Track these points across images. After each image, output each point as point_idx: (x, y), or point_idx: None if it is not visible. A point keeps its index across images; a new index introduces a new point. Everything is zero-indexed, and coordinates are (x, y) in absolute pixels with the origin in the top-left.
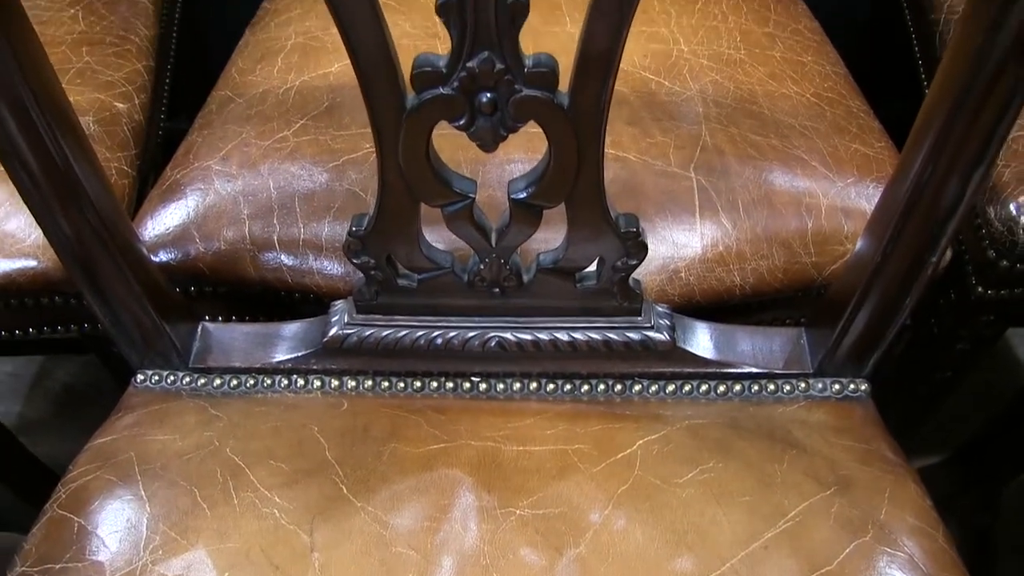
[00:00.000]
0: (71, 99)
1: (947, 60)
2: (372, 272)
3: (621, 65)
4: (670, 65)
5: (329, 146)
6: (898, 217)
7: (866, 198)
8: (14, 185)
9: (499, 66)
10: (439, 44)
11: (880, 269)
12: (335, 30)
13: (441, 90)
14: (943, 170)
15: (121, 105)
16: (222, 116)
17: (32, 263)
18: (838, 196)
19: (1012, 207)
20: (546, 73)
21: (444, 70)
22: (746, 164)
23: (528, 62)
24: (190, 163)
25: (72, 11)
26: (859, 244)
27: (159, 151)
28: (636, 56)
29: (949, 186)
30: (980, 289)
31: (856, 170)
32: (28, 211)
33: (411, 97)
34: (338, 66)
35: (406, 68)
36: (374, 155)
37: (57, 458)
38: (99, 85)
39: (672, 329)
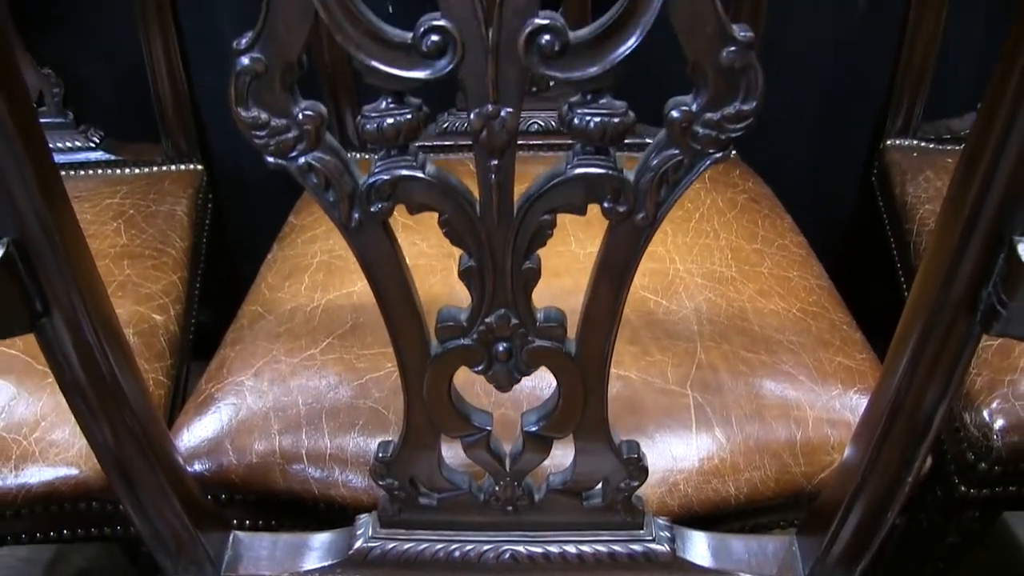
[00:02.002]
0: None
1: (918, 285)
2: (396, 492)
3: None
4: (667, 284)
5: (354, 365)
6: (882, 426)
7: (850, 409)
8: (63, 394)
9: (514, 321)
10: (454, 263)
11: (866, 477)
12: None
13: (462, 341)
14: (921, 381)
15: (158, 317)
16: (253, 332)
17: (75, 471)
18: (824, 408)
19: (985, 413)
20: (555, 327)
21: (465, 324)
22: (738, 380)
23: (539, 316)
24: (224, 377)
25: (115, 224)
26: (846, 453)
27: (190, 351)
28: (636, 277)
29: (928, 396)
30: (963, 488)
31: (840, 383)
32: (70, 423)
33: (435, 345)
34: (361, 285)
35: (424, 289)
36: (396, 374)
37: None
38: (139, 298)
39: (672, 540)
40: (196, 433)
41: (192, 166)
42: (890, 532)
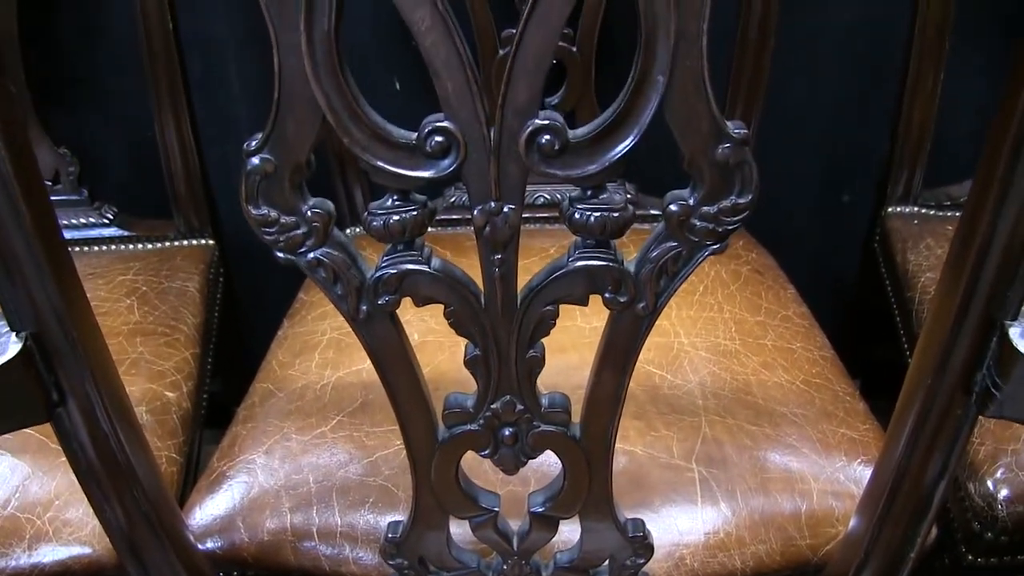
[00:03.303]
0: (127, 390)
1: (914, 367)
2: (406, 571)
3: None
4: (672, 358)
5: (363, 442)
6: (884, 501)
7: (854, 480)
8: (77, 479)
9: (519, 407)
10: (461, 341)
11: (870, 552)
12: None
13: (469, 427)
14: (920, 459)
15: (171, 394)
16: (264, 409)
17: (88, 550)
18: (828, 480)
19: (989, 483)
20: (559, 412)
21: (472, 410)
22: (743, 453)
23: (544, 402)
24: (235, 455)
25: (128, 301)
26: (851, 526)
27: (202, 425)
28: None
29: (928, 472)
30: (970, 557)
31: (844, 454)
32: (83, 502)
33: (442, 430)
34: (369, 363)
35: (431, 367)
36: (404, 452)
37: None
38: (151, 375)
39: None
40: (208, 511)
41: (204, 241)
42: None
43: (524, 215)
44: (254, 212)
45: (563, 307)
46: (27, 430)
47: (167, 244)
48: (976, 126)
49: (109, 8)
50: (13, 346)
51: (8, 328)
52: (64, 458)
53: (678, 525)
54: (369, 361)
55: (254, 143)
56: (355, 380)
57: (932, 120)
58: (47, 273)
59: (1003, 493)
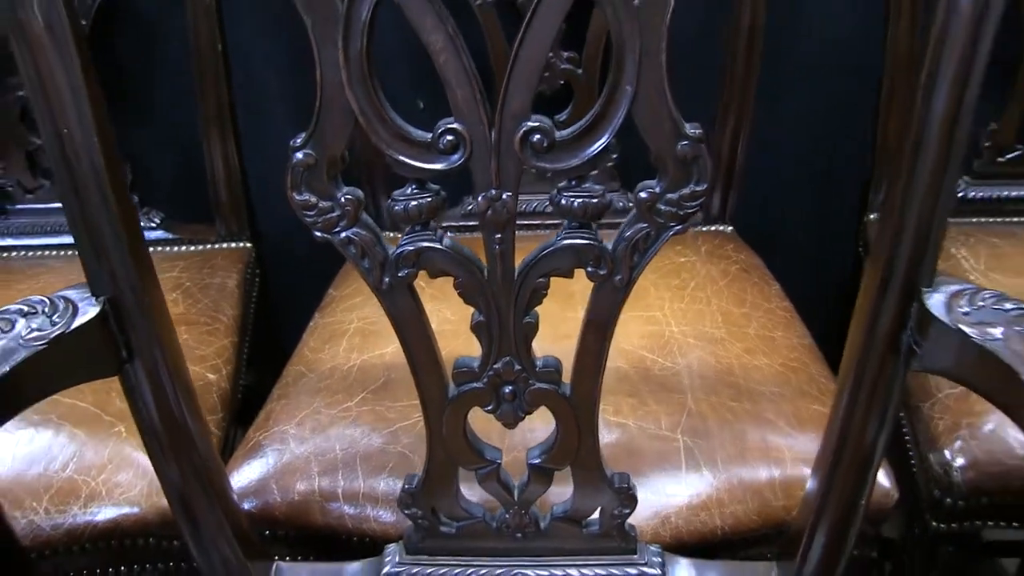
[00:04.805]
0: None
1: (851, 334)
2: (420, 521)
3: (625, 345)
4: (663, 344)
5: (385, 415)
6: (833, 454)
7: None
8: (140, 433)
9: (517, 367)
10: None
11: (825, 502)
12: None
13: (475, 384)
14: (862, 414)
15: (212, 376)
16: (297, 388)
17: (136, 510)
18: (800, 450)
19: (947, 453)
20: (552, 372)
21: (477, 370)
22: (724, 427)
23: (539, 363)
24: (270, 427)
25: (173, 295)
26: (808, 483)
27: (238, 407)
28: (635, 337)
29: (869, 425)
30: (935, 524)
31: (815, 427)
32: (133, 467)
33: (452, 388)
34: (392, 348)
35: (447, 349)
36: (421, 424)
37: None
38: (194, 359)
39: (663, 565)
40: (245, 475)
41: (242, 244)
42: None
43: (526, 222)
44: (297, 198)
45: (568, 301)
46: (83, 404)
47: (208, 247)
48: None
49: (162, 26)
50: (92, 309)
51: (90, 293)
52: (117, 428)
53: (665, 488)
54: (391, 346)
55: (299, 140)
56: (378, 363)
57: None
58: (125, 249)
59: (959, 461)
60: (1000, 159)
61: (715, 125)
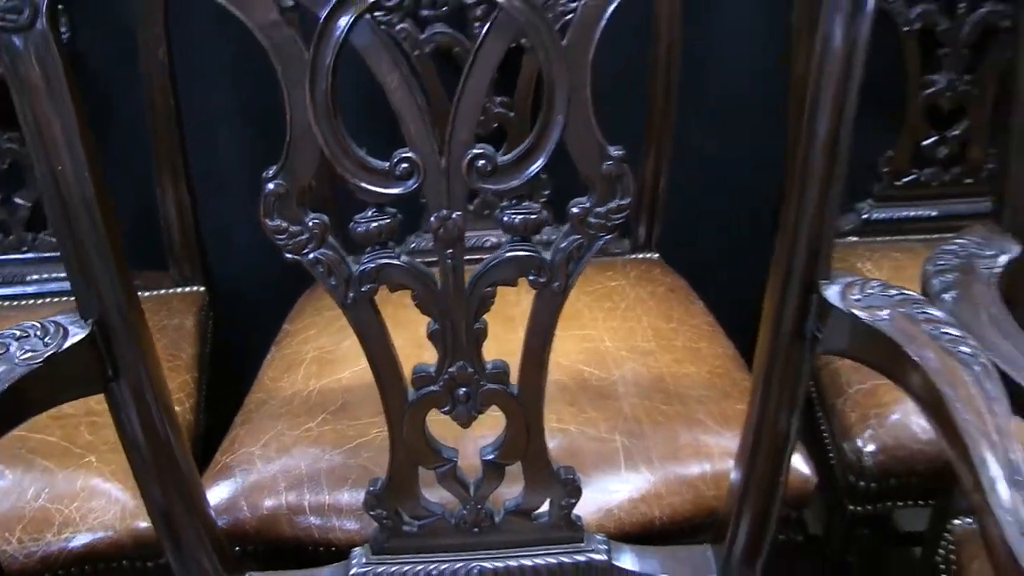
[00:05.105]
0: None
1: (761, 326)
2: (384, 521)
3: (563, 360)
4: (599, 358)
5: (345, 433)
6: (752, 438)
7: None
8: (124, 450)
9: (470, 370)
10: (425, 352)
11: (747, 484)
12: (344, 345)
13: (432, 388)
14: (775, 399)
15: (176, 408)
16: (259, 414)
17: (110, 533)
18: (728, 445)
19: (858, 442)
20: (501, 373)
21: (433, 374)
22: (658, 428)
23: (489, 367)
24: (236, 450)
25: None
26: (732, 471)
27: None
28: (573, 353)
29: (782, 409)
30: (852, 508)
31: (739, 425)
32: (105, 494)
33: (412, 392)
34: (348, 373)
35: (410, 361)
36: (380, 439)
37: None
38: None
39: (608, 552)
40: (215, 494)
41: (195, 288)
42: (797, 550)
43: (475, 256)
44: (270, 223)
45: (507, 323)
46: (52, 439)
47: (163, 292)
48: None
49: (116, 77)
50: (81, 331)
51: (78, 316)
52: (87, 458)
53: (607, 485)
54: (347, 372)
55: (271, 172)
56: (336, 387)
57: None
58: (113, 273)
59: (869, 448)
60: (897, 183)
61: (639, 158)
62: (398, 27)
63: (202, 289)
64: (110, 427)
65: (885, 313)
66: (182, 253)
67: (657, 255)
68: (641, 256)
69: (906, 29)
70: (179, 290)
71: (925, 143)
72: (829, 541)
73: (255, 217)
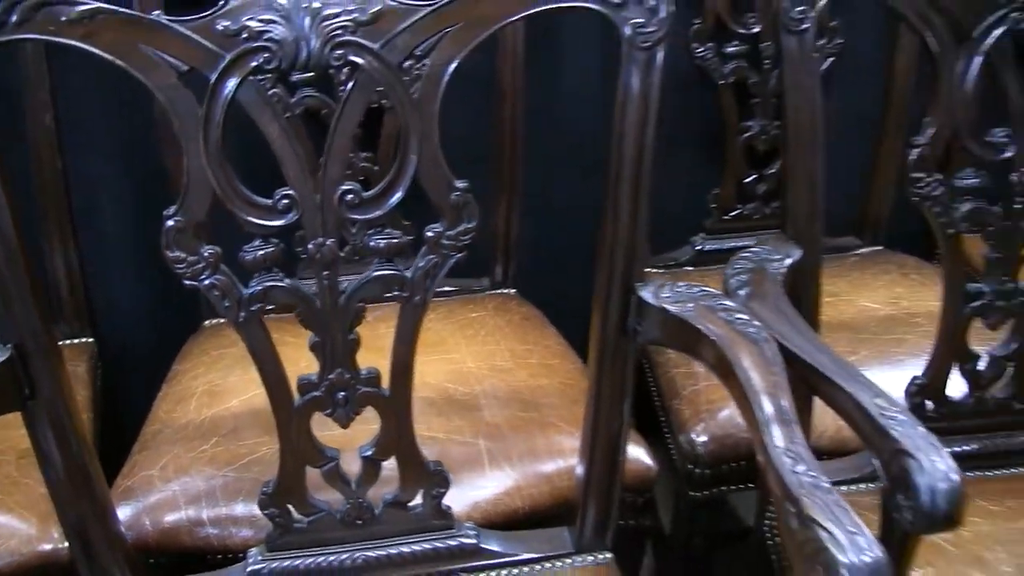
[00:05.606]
0: None
1: (592, 324)
2: (277, 519)
3: (431, 380)
4: (462, 376)
5: (237, 452)
6: (591, 425)
7: None
8: (39, 468)
9: (347, 376)
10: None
11: (591, 467)
12: (231, 379)
13: (315, 393)
14: (608, 388)
15: None
16: (156, 441)
17: (16, 558)
18: (577, 444)
19: (692, 434)
20: (374, 378)
21: (316, 381)
22: (517, 432)
23: (363, 373)
24: (136, 474)
25: None
26: (576, 468)
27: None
28: (439, 374)
29: (614, 397)
30: (691, 493)
31: None
32: (8, 524)
33: (298, 399)
34: (237, 401)
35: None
36: (269, 455)
37: None
38: None
39: (477, 536)
40: (120, 514)
41: (84, 340)
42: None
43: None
44: (170, 255)
45: (376, 339)
46: None
47: None
48: (687, 200)
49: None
50: (2, 353)
51: None
52: None
53: (474, 482)
54: (236, 401)
55: (171, 211)
56: (226, 414)
57: (643, 208)
58: (29, 301)
59: (701, 439)
60: (725, 217)
61: (493, 206)
62: (270, 92)
63: (91, 340)
64: (10, 463)
65: (690, 306)
66: (71, 309)
67: (514, 291)
68: (500, 292)
69: (722, 82)
70: (68, 342)
71: (746, 181)
72: (676, 526)
73: (140, 272)
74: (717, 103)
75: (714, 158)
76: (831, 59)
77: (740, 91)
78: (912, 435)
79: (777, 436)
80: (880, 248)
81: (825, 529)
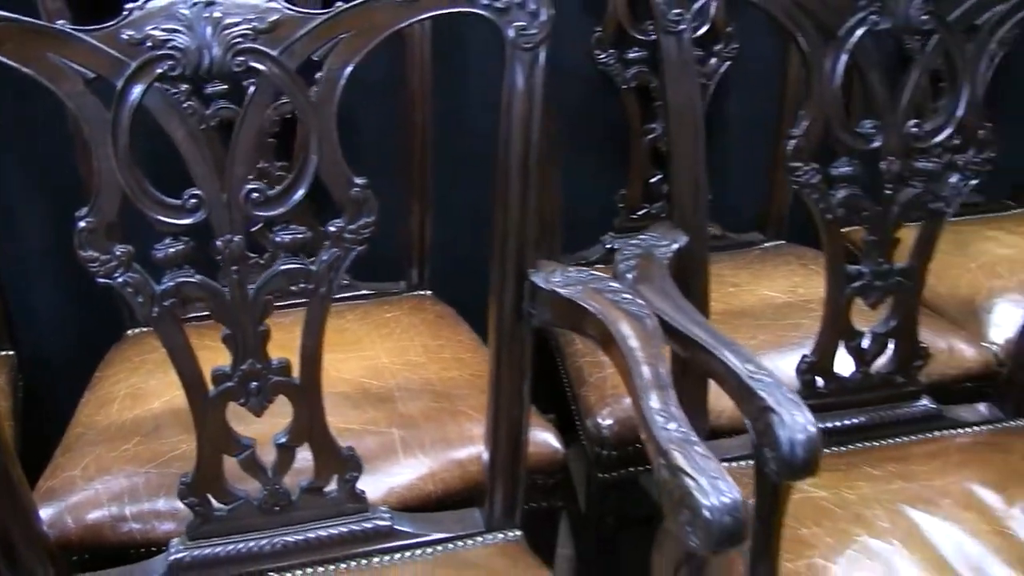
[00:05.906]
0: None
1: (489, 311)
2: (197, 508)
3: (347, 376)
4: (377, 372)
5: (158, 450)
6: (494, 408)
7: None
8: None
9: (259, 366)
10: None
11: (496, 450)
12: (152, 382)
13: (228, 384)
14: (507, 370)
15: None
16: (79, 443)
17: None
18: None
19: (599, 418)
20: (284, 368)
21: (229, 372)
22: (430, 420)
23: (274, 363)
24: (58, 475)
25: None
26: (483, 455)
27: None
28: (355, 370)
29: (513, 377)
30: (600, 475)
31: None
32: None
33: (212, 390)
34: (158, 403)
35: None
36: (189, 451)
37: None
38: None
39: (391, 519)
40: (43, 512)
41: (4, 352)
42: (559, 511)
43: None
44: (83, 254)
45: (288, 337)
46: None
47: None
48: (597, 201)
49: None
50: None
51: None
52: None
53: (389, 469)
54: (157, 403)
55: (83, 212)
56: (148, 415)
57: (559, 209)
58: None
59: (607, 422)
60: (633, 216)
61: (406, 211)
62: (185, 104)
63: (11, 353)
64: None
65: (579, 288)
66: None
67: (430, 292)
68: (415, 293)
69: (625, 87)
70: None
71: (652, 181)
72: (589, 508)
73: (60, 283)
74: (621, 107)
75: (621, 160)
76: (728, 63)
77: (643, 95)
78: (775, 393)
79: (653, 399)
80: (782, 242)
81: (691, 476)
